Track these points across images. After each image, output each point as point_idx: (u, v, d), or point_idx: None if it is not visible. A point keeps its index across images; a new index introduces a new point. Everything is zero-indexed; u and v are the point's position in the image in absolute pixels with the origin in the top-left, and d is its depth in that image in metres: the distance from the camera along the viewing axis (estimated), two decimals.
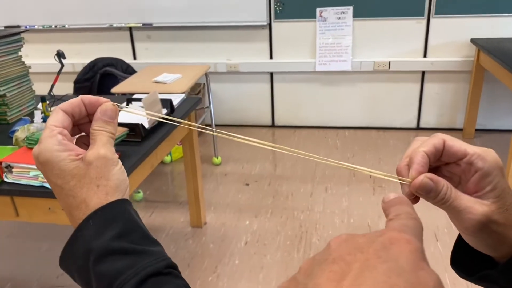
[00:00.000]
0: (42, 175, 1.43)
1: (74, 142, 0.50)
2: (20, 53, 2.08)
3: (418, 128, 3.57)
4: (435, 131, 3.49)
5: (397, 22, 3.28)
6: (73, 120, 0.49)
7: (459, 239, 0.50)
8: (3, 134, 1.87)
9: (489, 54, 2.84)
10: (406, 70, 3.39)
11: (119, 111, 0.50)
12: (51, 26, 3.68)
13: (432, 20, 3.24)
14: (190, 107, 2.17)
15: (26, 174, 1.45)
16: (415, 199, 0.46)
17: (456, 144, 0.45)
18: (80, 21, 3.60)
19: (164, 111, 1.94)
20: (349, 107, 3.59)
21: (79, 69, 3.28)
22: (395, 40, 3.34)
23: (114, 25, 3.57)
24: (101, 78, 3.05)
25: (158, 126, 1.86)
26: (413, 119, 3.55)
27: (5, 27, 3.57)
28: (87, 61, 3.25)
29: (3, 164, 1.46)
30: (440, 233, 2.30)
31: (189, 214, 2.46)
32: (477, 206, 0.43)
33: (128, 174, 1.56)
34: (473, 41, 3.17)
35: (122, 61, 3.18)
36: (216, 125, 3.25)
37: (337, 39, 3.37)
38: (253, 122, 3.76)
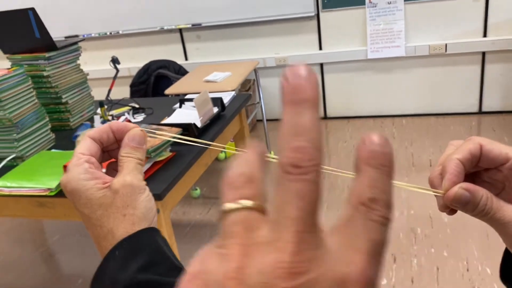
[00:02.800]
0: None
1: (105, 169, 0.50)
2: (78, 61, 2.19)
3: (480, 112, 3.38)
4: (499, 114, 3.30)
5: (452, 2, 3.11)
6: (101, 146, 0.48)
7: (506, 254, 0.45)
8: (67, 140, 1.98)
9: None
10: (465, 52, 3.22)
11: (147, 136, 0.49)
12: (106, 33, 3.84)
13: None
14: (240, 104, 2.19)
15: None
16: (451, 211, 0.43)
17: (496, 148, 0.41)
18: (133, 26, 3.72)
19: (215, 109, 1.97)
20: (405, 94, 3.46)
21: (134, 72, 3.40)
22: (451, 21, 3.17)
23: (165, 27, 3.66)
24: (155, 80, 3.14)
25: (210, 124, 1.89)
26: (475, 103, 3.37)
27: (65, 37, 3.77)
28: (141, 64, 3.37)
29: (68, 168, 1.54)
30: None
31: None
32: None
33: (184, 172, 1.59)
34: None
35: (174, 63, 3.25)
36: (267, 120, 3.25)
37: (389, 25, 3.26)
38: None
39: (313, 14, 3.34)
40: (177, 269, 0.45)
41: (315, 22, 3.41)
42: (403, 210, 2.40)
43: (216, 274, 0.21)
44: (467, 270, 1.94)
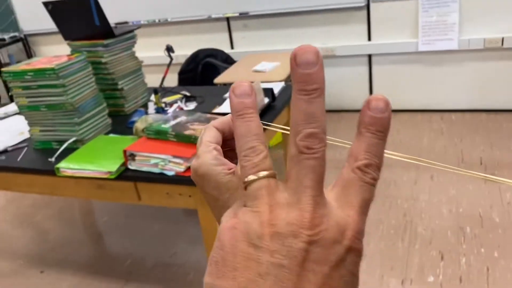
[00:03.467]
0: (161, 163, 1.54)
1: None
2: (133, 49, 2.24)
3: None
4: None
5: None
6: (223, 136, 0.51)
7: None
8: (122, 125, 2.04)
9: None
10: None
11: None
12: (154, 21, 3.91)
13: None
14: (289, 95, 2.19)
15: (147, 162, 1.57)
16: None
17: None
18: (181, 14, 3.77)
19: (266, 100, 1.98)
20: (455, 89, 3.36)
21: (181, 60, 3.45)
22: (509, 14, 3.04)
23: (212, 16, 3.69)
24: (203, 68, 3.18)
25: (261, 115, 1.91)
26: None
27: (115, 24, 3.87)
28: (187, 52, 3.41)
29: (128, 153, 1.60)
30: None
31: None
32: None
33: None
34: None
35: (222, 52, 3.28)
36: None
37: (442, 17, 3.16)
38: (350, 107, 3.68)
39: (363, 4, 3.28)
40: None
41: (365, 12, 3.34)
42: (452, 207, 2.35)
43: (254, 223, 0.29)
44: None
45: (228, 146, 0.53)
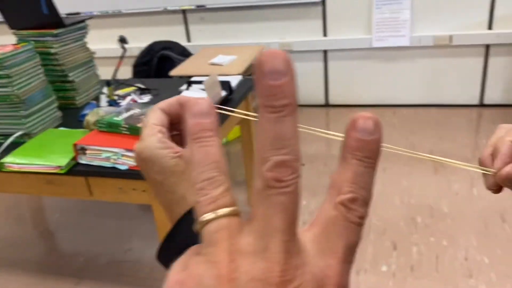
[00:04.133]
0: (114, 157, 1.50)
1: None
2: (85, 40, 2.16)
3: (481, 104, 3.40)
4: (500, 108, 3.32)
5: None
6: (169, 119, 0.49)
7: None
8: (73, 118, 1.97)
9: None
10: (469, 44, 3.22)
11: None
12: (107, 12, 3.79)
13: None
14: (247, 88, 2.19)
15: (98, 156, 1.52)
16: (498, 189, 0.44)
17: None
18: (135, 5, 3.68)
19: (224, 93, 1.96)
20: (407, 84, 3.47)
21: (135, 53, 3.37)
22: (457, 13, 3.17)
23: (168, 8, 3.62)
24: (158, 61, 3.12)
25: (218, 108, 1.89)
26: (476, 96, 3.39)
27: (67, 14, 3.72)
28: (143, 45, 3.34)
29: (78, 147, 1.54)
30: (507, 214, 2.21)
31: (247, 192, 2.50)
32: None
33: None
34: None
35: (178, 44, 3.23)
36: None
37: (395, 14, 3.25)
38: (307, 102, 3.72)
39: (319, 0, 3.31)
40: None
41: (320, 8, 3.39)
42: (404, 198, 2.42)
43: (208, 278, 0.22)
44: (466, 259, 1.98)
45: (176, 130, 0.51)
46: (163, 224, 1.59)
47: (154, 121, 0.48)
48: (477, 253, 2.00)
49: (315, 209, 2.42)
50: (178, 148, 0.48)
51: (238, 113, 0.52)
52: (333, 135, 0.49)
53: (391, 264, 2.00)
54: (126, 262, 2.20)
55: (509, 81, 3.29)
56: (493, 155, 0.43)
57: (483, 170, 0.44)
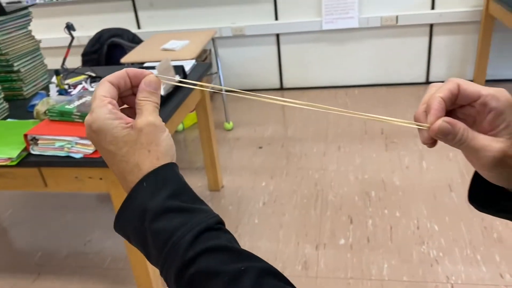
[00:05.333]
0: (68, 145, 1.47)
1: None
2: (29, 28, 2.08)
3: (427, 82, 3.55)
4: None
5: None
6: (118, 92, 0.51)
7: (475, 176, 0.52)
8: (21, 109, 1.90)
9: (498, 1, 2.79)
10: (414, 23, 3.35)
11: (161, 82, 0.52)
12: (52, 0, 3.64)
13: None
14: (201, 73, 2.18)
15: (51, 145, 1.49)
16: (433, 143, 0.49)
17: (470, 86, 0.47)
18: None
19: (177, 77, 1.95)
20: (357, 65, 3.57)
21: (84, 42, 3.27)
22: None
23: None
24: (108, 49, 3.04)
25: (172, 93, 1.88)
26: (423, 74, 3.53)
27: (7, 3, 3.54)
28: (91, 33, 3.24)
29: (29, 137, 1.50)
30: (454, 184, 2.34)
31: (207, 178, 2.51)
32: (493, 144, 0.46)
33: None
34: None
35: (128, 31, 3.16)
36: (225, 92, 3.25)
37: None
38: (262, 86, 3.76)
39: None
40: (199, 199, 0.48)
41: None
42: (358, 175, 2.51)
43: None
44: (418, 228, 2.09)
45: (125, 103, 0.52)
46: None
47: (103, 93, 0.49)
48: (427, 221, 2.12)
49: (274, 189, 2.47)
50: (128, 119, 0.49)
51: (199, 85, 0.54)
52: (341, 111, 0.52)
53: (349, 237, 2.08)
54: (87, 253, 2.17)
55: (452, 58, 3.45)
56: (426, 112, 0.47)
57: (418, 125, 0.48)
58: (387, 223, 2.14)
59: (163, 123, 0.50)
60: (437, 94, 0.47)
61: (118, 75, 0.50)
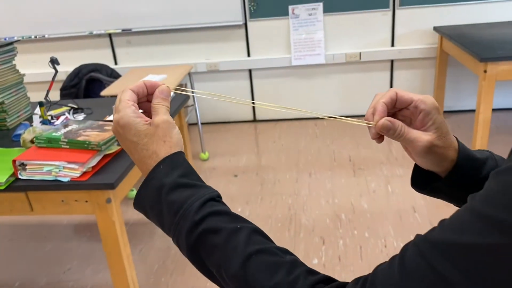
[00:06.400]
0: (55, 170, 1.55)
1: None
2: (14, 62, 2.18)
3: None
4: None
5: (365, 15, 3.49)
6: (137, 98, 0.65)
7: (415, 166, 0.67)
8: (6, 138, 1.97)
9: (451, 40, 3.07)
10: (376, 59, 3.61)
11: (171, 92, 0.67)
12: (30, 37, 3.75)
13: (397, 11, 3.47)
14: (180, 103, 2.31)
15: (39, 170, 1.56)
16: (379, 138, 0.64)
17: (405, 94, 0.62)
18: (60, 30, 3.68)
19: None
20: (325, 98, 3.79)
21: (61, 77, 3.36)
22: (364, 32, 3.55)
23: (94, 32, 3.67)
24: (86, 83, 3.15)
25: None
26: None
27: None
28: (69, 69, 3.34)
29: (17, 163, 1.57)
30: (417, 205, 2.51)
31: None
32: (423, 136, 0.61)
33: (125, 174, 1.62)
34: (436, 29, 3.41)
35: (107, 66, 3.28)
36: (201, 123, 3.38)
37: (310, 34, 3.56)
38: (236, 118, 3.91)
39: (241, 22, 3.55)
40: (201, 180, 0.61)
41: (243, 30, 3.62)
42: (329, 199, 2.66)
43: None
44: (385, 246, 2.22)
45: (140, 109, 0.67)
46: (107, 232, 1.65)
47: (127, 97, 0.63)
48: (394, 240, 2.26)
49: (250, 214, 2.58)
50: (146, 118, 0.63)
51: (197, 93, 0.69)
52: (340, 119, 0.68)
53: (322, 257, 2.20)
54: (66, 281, 2.19)
55: (412, 90, 3.64)
56: (373, 114, 0.62)
57: (368, 123, 0.62)
58: (357, 243, 2.27)
59: (174, 121, 0.63)
60: (380, 100, 0.62)
61: (138, 85, 0.64)
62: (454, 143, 0.63)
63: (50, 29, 3.68)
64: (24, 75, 2.23)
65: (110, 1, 3.53)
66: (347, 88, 3.74)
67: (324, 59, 3.60)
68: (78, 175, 1.55)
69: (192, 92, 0.71)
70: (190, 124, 3.73)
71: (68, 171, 1.55)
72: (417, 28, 3.50)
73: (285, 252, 0.54)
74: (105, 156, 1.65)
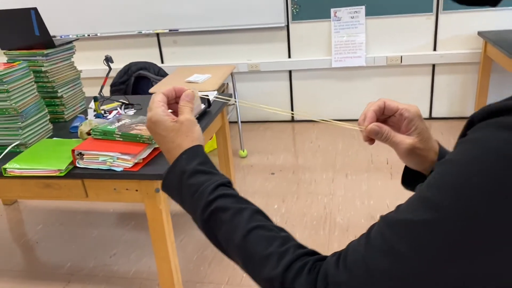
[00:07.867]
0: (110, 160, 1.69)
1: None
2: (72, 59, 2.35)
3: (430, 118, 3.78)
4: (447, 120, 3.70)
5: (408, 19, 3.50)
6: (167, 100, 0.78)
7: (405, 168, 0.77)
8: (63, 130, 2.14)
9: (495, 45, 3.04)
10: (417, 63, 3.61)
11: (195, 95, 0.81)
12: (84, 35, 3.97)
13: (440, 16, 3.45)
14: (222, 102, 2.42)
15: (95, 160, 1.71)
16: (370, 140, 0.74)
17: (392, 103, 0.74)
18: (111, 29, 3.88)
19: (203, 106, 2.19)
20: (364, 101, 3.81)
21: (112, 74, 3.54)
22: (406, 36, 3.55)
23: (143, 31, 3.85)
24: (135, 80, 3.32)
25: (198, 119, 2.12)
26: (426, 110, 3.76)
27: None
28: (119, 66, 3.53)
29: (76, 152, 1.72)
30: None
31: None
32: (406, 140, 0.72)
33: None
34: (480, 33, 3.37)
35: (154, 65, 3.44)
36: (241, 122, 3.49)
37: (351, 37, 3.60)
38: (275, 118, 4.00)
39: (283, 24, 3.63)
40: (216, 168, 0.73)
41: (285, 32, 3.70)
42: (364, 200, 2.70)
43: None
44: None
45: (170, 109, 0.80)
46: (155, 219, 1.78)
47: (159, 99, 0.77)
48: None
49: (285, 211, 2.66)
50: (173, 117, 0.77)
51: (221, 99, 0.83)
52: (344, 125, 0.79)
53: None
54: (112, 265, 2.35)
55: (453, 96, 3.69)
56: (365, 120, 0.73)
57: (359, 128, 0.74)
58: None
59: (196, 120, 0.76)
60: (370, 108, 0.74)
61: (168, 89, 0.79)
62: (435, 147, 0.73)
63: (102, 28, 3.89)
64: (81, 71, 2.40)
65: (159, 2, 3.69)
66: (387, 91, 3.75)
67: (365, 61, 3.63)
68: (130, 165, 1.68)
69: (235, 101, 0.85)
70: (231, 122, 3.84)
71: (121, 161, 1.69)
72: (460, 33, 3.47)
73: (281, 229, 0.63)
74: (154, 149, 1.77)
